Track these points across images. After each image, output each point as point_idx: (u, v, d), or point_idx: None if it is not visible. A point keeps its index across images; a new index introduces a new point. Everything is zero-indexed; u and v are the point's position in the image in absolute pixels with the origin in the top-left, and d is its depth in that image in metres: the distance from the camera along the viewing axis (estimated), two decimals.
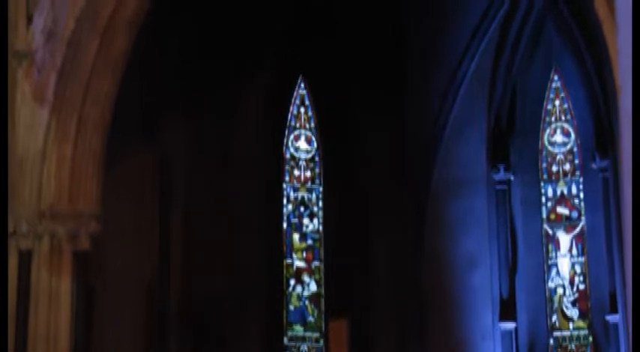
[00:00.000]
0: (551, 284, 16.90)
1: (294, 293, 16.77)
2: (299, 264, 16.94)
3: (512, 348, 16.47)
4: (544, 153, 17.62)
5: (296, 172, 17.30)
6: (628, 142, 3.19)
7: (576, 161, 17.42)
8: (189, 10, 15.19)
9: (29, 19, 10.71)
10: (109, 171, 11.50)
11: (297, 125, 17.53)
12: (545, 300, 16.84)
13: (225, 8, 15.62)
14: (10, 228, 10.46)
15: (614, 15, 3.20)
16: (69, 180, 10.81)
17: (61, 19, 10.64)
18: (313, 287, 16.92)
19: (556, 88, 17.85)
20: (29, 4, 10.74)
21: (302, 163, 17.39)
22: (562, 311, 16.80)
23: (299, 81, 17.55)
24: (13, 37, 10.66)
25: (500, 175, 17.18)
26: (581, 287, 16.82)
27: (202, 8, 15.39)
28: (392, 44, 17.50)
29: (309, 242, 17.11)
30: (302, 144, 17.45)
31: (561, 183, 17.36)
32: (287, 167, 17.26)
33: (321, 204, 17.27)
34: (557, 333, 16.73)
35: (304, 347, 16.60)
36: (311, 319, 16.78)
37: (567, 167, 17.45)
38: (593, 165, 16.68)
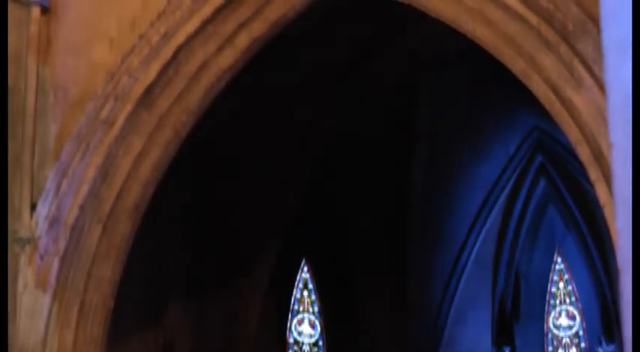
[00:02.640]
0: None
1: None
2: None
3: None
4: (549, 336, 17.48)
5: None
6: (628, 329, 3.17)
7: (582, 344, 17.26)
8: (193, 195, 15.34)
9: (33, 207, 10.81)
10: None
11: (301, 309, 17.46)
12: None
13: (229, 187, 15.78)
14: None
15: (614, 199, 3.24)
16: None
17: (65, 206, 10.73)
18: None
19: (560, 271, 17.87)
20: (33, 192, 10.86)
21: (305, 348, 17.23)
22: None
23: (302, 264, 17.57)
24: (17, 224, 10.74)
25: None
26: None
27: (205, 191, 15.54)
28: (395, 229, 17.59)
29: None
30: (305, 328, 17.33)
31: None
32: (290, 351, 17.09)
33: None
34: None
35: None
36: None
37: (574, 351, 17.27)
38: (600, 350, 16.50)
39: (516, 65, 9.37)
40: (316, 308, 17.33)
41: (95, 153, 10.74)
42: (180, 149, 11.11)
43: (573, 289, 17.44)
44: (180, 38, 10.60)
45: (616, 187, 2.21)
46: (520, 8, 9.15)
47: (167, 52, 10.64)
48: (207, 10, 10.50)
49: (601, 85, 8.52)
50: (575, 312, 17.37)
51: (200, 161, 14.97)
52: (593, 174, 8.77)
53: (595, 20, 8.49)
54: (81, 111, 10.85)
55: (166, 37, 10.59)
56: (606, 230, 9.96)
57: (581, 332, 17.15)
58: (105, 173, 10.76)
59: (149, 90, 10.72)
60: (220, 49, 10.70)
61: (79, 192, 10.73)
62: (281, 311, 17.06)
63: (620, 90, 2.11)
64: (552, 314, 17.46)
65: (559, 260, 17.73)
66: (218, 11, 10.51)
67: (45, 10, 11.18)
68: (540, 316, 17.46)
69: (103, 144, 10.73)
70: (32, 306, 10.68)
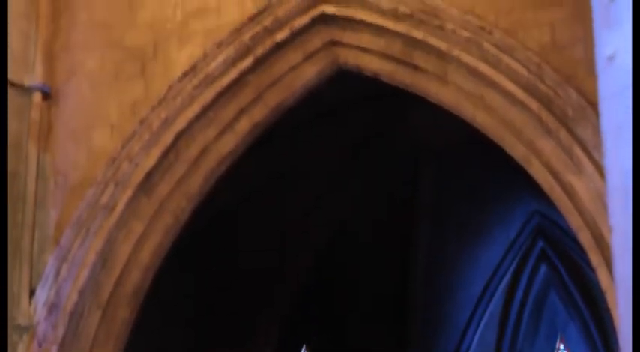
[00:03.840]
0: None
1: None
2: None
3: None
4: None
5: None
6: None
7: None
8: (195, 277, 15.28)
9: (32, 292, 10.74)
10: None
11: None
12: None
13: (229, 272, 15.72)
14: None
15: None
16: None
17: (65, 292, 10.67)
18: None
19: None
20: (32, 278, 10.80)
21: None
22: None
23: (302, 350, 17.45)
24: (16, 311, 10.66)
25: None
26: None
27: (206, 274, 15.48)
28: (396, 314, 17.49)
29: None
30: None
31: None
32: None
33: None
34: None
35: None
36: None
37: None
38: None
39: (516, 150, 9.39)
40: None
41: (95, 238, 10.70)
42: (181, 234, 11.09)
43: None
44: (180, 123, 10.64)
45: (616, 271, 2.19)
46: (520, 94, 9.20)
47: (168, 138, 10.67)
48: (207, 96, 10.56)
49: (601, 171, 8.53)
50: None
51: (201, 244, 14.93)
52: (595, 259, 8.73)
53: (594, 106, 8.53)
54: (81, 197, 10.84)
55: (167, 122, 10.63)
56: (608, 315, 9.89)
57: None
58: (105, 258, 10.72)
59: (149, 175, 10.73)
60: (221, 134, 10.73)
61: (79, 277, 10.67)
62: None
63: (619, 174, 2.11)
64: None
65: (561, 346, 17.60)
66: (219, 96, 10.57)
67: (46, 96, 11.24)
68: None
69: (103, 230, 10.71)
70: None
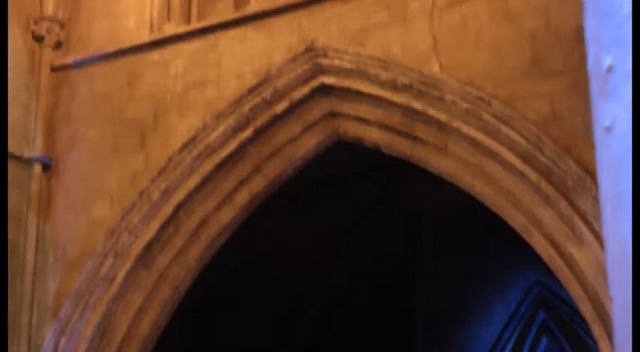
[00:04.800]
0: None
1: None
2: None
3: None
4: None
5: None
6: None
7: None
8: (196, 339, 15.17)
9: None
10: None
11: None
12: None
13: (229, 336, 15.61)
14: None
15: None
16: None
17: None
18: None
19: None
20: (31, 351, 10.73)
21: None
22: None
23: None
24: None
25: None
26: None
27: (207, 338, 15.37)
28: None
29: None
30: None
31: None
32: None
33: None
34: None
35: None
36: None
37: None
38: None
39: (516, 220, 9.37)
40: None
41: (94, 310, 10.65)
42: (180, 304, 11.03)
43: None
44: (180, 195, 10.64)
45: (617, 343, 2.17)
46: (519, 164, 9.20)
47: (167, 209, 10.67)
48: (207, 167, 10.58)
49: (602, 241, 8.49)
50: None
51: (202, 311, 14.84)
52: (597, 330, 8.67)
53: (594, 176, 8.53)
54: (80, 269, 10.81)
55: (167, 193, 10.63)
56: None
57: None
58: (103, 330, 10.65)
59: (149, 247, 10.71)
60: (220, 205, 10.73)
61: (78, 350, 10.59)
62: None
63: (619, 244, 2.09)
64: None
65: None
66: (218, 168, 10.59)
67: (46, 167, 11.26)
68: None
69: (102, 302, 10.66)
70: None
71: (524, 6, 9.55)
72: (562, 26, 9.22)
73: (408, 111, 9.88)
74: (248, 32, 10.77)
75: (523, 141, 9.19)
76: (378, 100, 10.04)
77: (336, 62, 10.21)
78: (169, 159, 10.66)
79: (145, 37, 11.30)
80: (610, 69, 2.15)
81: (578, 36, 7.38)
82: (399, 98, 9.89)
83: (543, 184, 9.07)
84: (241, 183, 10.67)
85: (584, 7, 2.29)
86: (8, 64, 10.89)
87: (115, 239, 10.72)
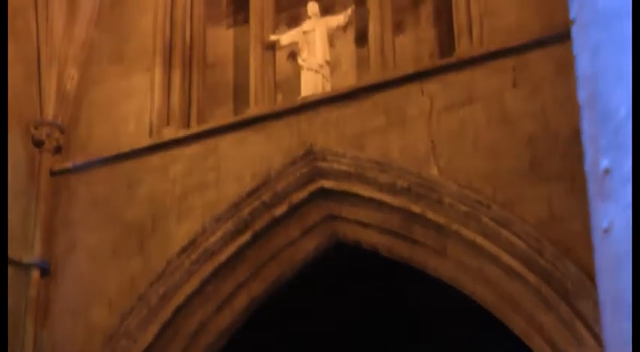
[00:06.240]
0: None
1: None
2: None
3: None
4: None
5: None
6: None
7: None
8: None
9: None
10: None
11: None
12: None
13: None
14: None
15: None
16: None
17: None
18: None
19: None
20: None
21: None
22: None
23: None
24: None
25: None
26: None
27: None
28: None
29: None
30: None
31: None
32: None
33: None
34: None
35: None
36: None
37: None
38: None
39: (517, 324, 9.31)
40: None
41: None
42: None
43: None
44: (179, 299, 10.58)
45: None
46: (519, 268, 9.18)
47: (166, 313, 10.59)
48: (206, 271, 10.54)
49: (602, 344, 8.43)
50: None
51: None
52: None
53: (594, 278, 8.49)
54: None
55: (165, 297, 10.57)
56: None
57: None
58: None
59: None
60: (219, 309, 10.66)
61: None
62: None
63: (618, 347, 2.07)
64: None
65: None
66: (217, 272, 10.55)
67: (45, 272, 11.22)
68: None
69: None
70: None
71: (522, 109, 9.64)
72: (559, 129, 9.29)
73: (406, 214, 9.89)
74: (247, 136, 10.84)
75: (522, 245, 9.18)
76: (376, 204, 10.05)
77: (335, 165, 10.25)
78: (168, 263, 10.62)
79: (145, 141, 11.36)
80: (607, 171, 2.15)
81: (576, 139, 7.42)
82: (397, 201, 9.91)
83: (543, 288, 9.03)
84: (240, 286, 10.62)
85: (581, 109, 2.30)
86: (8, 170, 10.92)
87: (114, 344, 10.62)
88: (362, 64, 11.14)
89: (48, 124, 11.65)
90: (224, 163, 10.85)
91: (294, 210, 10.46)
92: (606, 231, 2.10)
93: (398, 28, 11.08)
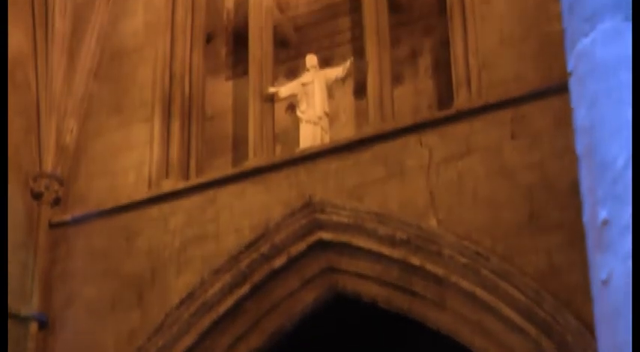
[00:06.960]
0: None
1: None
2: None
3: None
4: None
5: None
6: None
7: None
8: None
9: None
10: None
11: None
12: None
13: None
14: None
15: None
16: None
17: None
18: None
19: None
20: None
21: None
22: None
23: None
24: None
25: None
26: None
27: None
28: None
29: None
30: None
31: None
32: None
33: None
34: None
35: None
36: None
37: None
38: None
39: None
40: None
41: None
42: None
43: None
44: None
45: None
46: (518, 320, 9.13)
47: None
48: (204, 324, 10.48)
49: None
50: None
51: None
52: None
53: (593, 330, 8.45)
54: None
55: (164, 350, 10.50)
56: None
57: None
58: None
59: None
60: None
61: None
62: None
63: None
64: None
65: None
66: (216, 324, 10.49)
67: (43, 325, 11.15)
68: None
69: None
70: None
71: (520, 161, 9.65)
72: (558, 181, 9.29)
73: (405, 266, 9.86)
74: (246, 187, 10.84)
75: (522, 297, 9.15)
76: (375, 256, 10.03)
77: (334, 217, 10.24)
78: (166, 316, 10.57)
79: (144, 193, 11.36)
80: (605, 222, 2.15)
81: (574, 190, 7.44)
82: (396, 253, 9.88)
83: (543, 340, 8.98)
84: (239, 339, 10.55)
85: (579, 161, 2.30)
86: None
87: None
88: (361, 115, 11.17)
89: (47, 176, 11.64)
90: (223, 215, 10.83)
91: (293, 262, 10.43)
92: (605, 282, 2.10)
93: (397, 79, 11.13)
